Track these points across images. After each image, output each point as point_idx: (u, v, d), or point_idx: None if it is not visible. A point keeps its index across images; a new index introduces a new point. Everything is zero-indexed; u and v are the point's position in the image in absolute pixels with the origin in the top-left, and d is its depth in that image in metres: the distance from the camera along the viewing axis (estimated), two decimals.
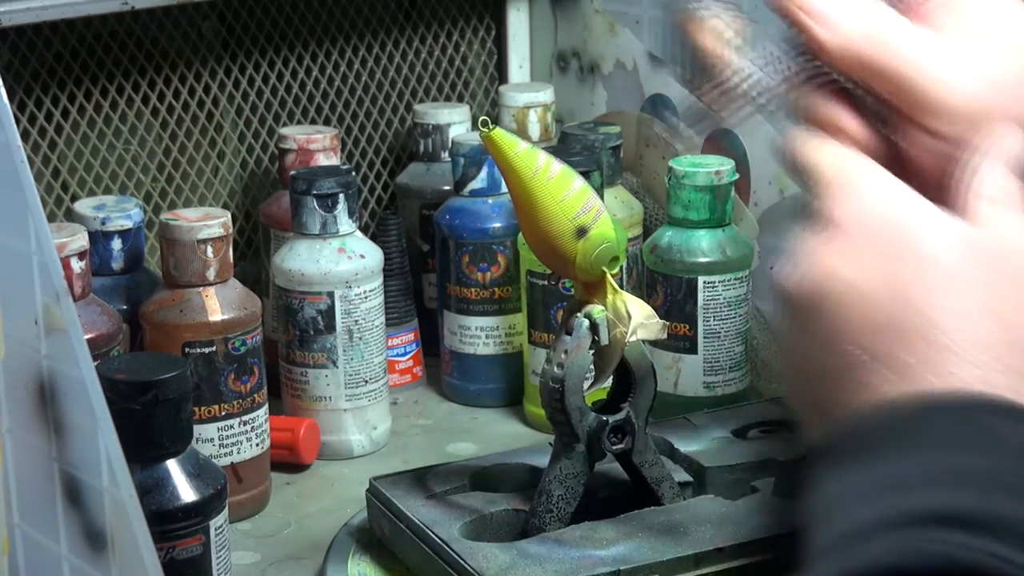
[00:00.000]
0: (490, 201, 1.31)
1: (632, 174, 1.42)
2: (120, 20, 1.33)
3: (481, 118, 0.92)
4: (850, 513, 0.58)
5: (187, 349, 1.12)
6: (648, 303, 0.97)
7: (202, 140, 1.40)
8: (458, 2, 1.54)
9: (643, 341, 0.97)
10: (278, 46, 1.43)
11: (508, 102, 1.42)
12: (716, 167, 1.22)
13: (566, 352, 0.96)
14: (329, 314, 1.21)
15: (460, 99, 1.55)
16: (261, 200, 1.40)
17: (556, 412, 0.97)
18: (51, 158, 1.31)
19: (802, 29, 0.72)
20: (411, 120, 1.45)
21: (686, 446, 1.07)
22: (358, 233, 1.23)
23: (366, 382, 1.23)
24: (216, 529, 0.94)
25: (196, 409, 1.11)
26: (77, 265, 1.09)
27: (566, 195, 0.93)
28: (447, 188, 1.36)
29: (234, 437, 1.14)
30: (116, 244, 1.18)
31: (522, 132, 1.40)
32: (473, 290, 1.31)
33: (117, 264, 1.19)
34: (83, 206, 1.20)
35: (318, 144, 1.32)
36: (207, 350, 1.12)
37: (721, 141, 1.34)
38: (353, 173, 1.23)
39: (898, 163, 0.71)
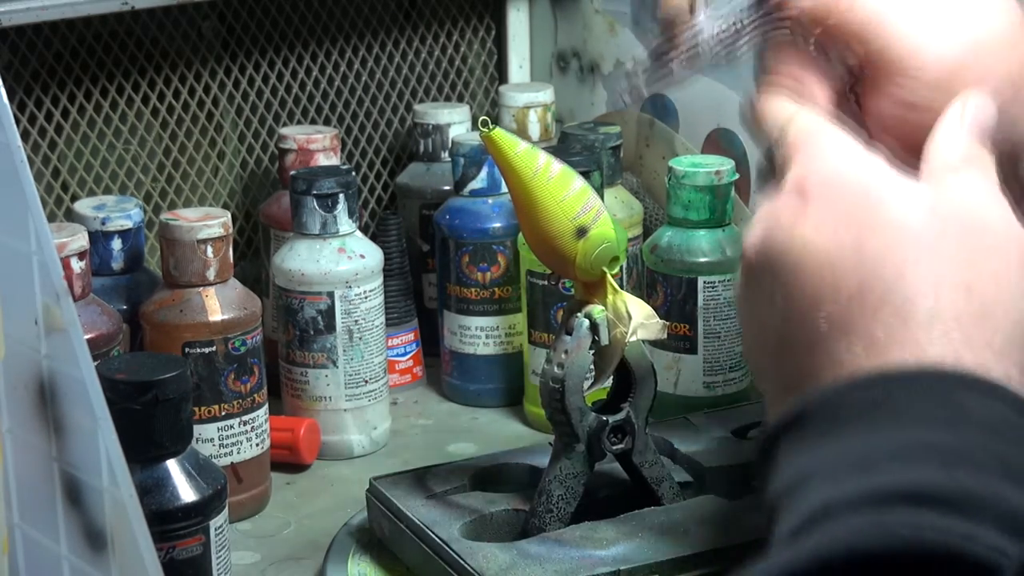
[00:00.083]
0: (490, 201, 1.31)
1: (632, 174, 1.42)
2: (120, 20, 1.33)
3: (481, 118, 0.92)
4: (816, 492, 0.56)
5: (187, 349, 1.12)
6: (648, 303, 0.97)
7: (202, 140, 1.40)
8: (458, 2, 1.54)
9: (643, 341, 0.97)
10: (278, 46, 1.43)
11: (508, 102, 1.42)
12: (716, 167, 1.22)
13: (566, 352, 0.96)
14: (329, 314, 1.21)
15: (460, 99, 1.55)
16: (261, 200, 1.40)
17: (556, 412, 0.97)
18: (51, 158, 1.31)
19: None
20: (411, 120, 1.45)
21: (686, 446, 1.07)
22: (358, 233, 1.23)
23: (366, 382, 1.23)
24: (216, 529, 0.94)
25: (196, 409, 1.11)
26: (77, 265, 1.08)
27: (566, 195, 0.93)
28: (447, 188, 1.36)
29: (234, 437, 1.14)
30: (116, 244, 1.18)
31: (522, 132, 1.40)
32: (473, 290, 1.31)
33: (117, 264, 1.19)
34: (83, 206, 1.20)
35: (318, 144, 1.32)
36: (207, 350, 1.12)
37: (721, 141, 1.34)
38: (353, 173, 1.23)
39: (865, 124, 0.70)
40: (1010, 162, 0.69)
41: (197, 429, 1.04)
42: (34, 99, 1.29)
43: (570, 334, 0.96)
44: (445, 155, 1.39)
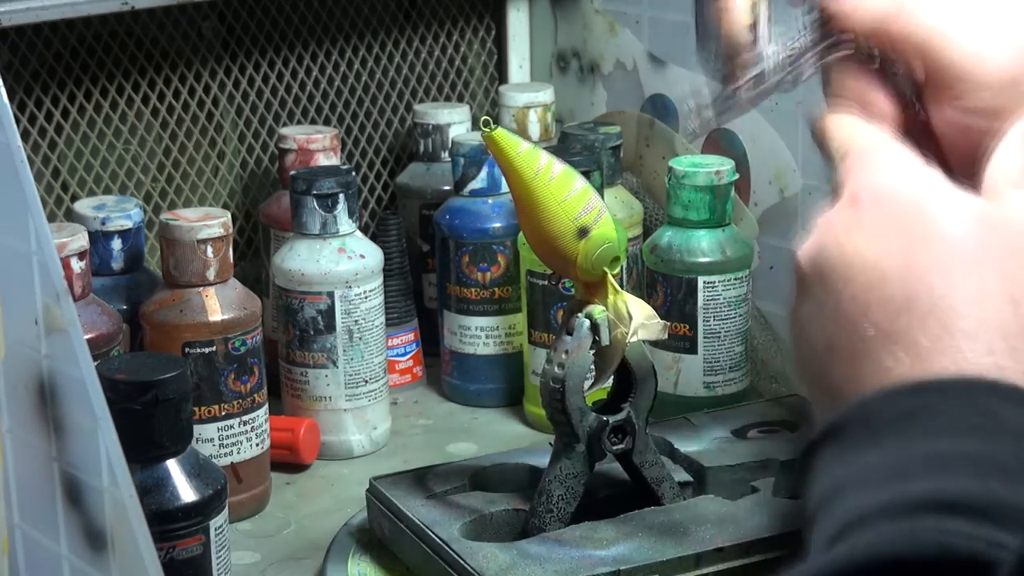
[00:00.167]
0: (490, 201, 1.31)
1: (632, 174, 1.42)
2: (120, 20, 1.33)
3: (483, 118, 0.92)
4: (852, 499, 0.57)
5: (187, 349, 1.12)
6: (648, 303, 0.97)
7: (202, 140, 1.40)
8: (458, 2, 1.54)
9: (643, 341, 0.97)
10: (278, 46, 1.43)
11: (508, 102, 1.42)
12: (716, 167, 1.22)
13: (567, 352, 0.96)
14: (329, 314, 1.21)
15: (460, 99, 1.55)
16: (261, 200, 1.40)
17: (556, 412, 0.97)
18: (51, 158, 1.31)
19: (827, 0, 0.71)
20: (411, 120, 1.45)
21: (686, 446, 1.07)
22: (358, 233, 1.23)
23: (366, 382, 1.23)
24: (216, 529, 0.94)
25: (196, 409, 1.11)
26: (77, 265, 1.08)
27: (567, 195, 0.93)
28: (447, 188, 1.36)
29: (234, 437, 1.14)
30: (116, 244, 1.18)
31: (522, 132, 1.40)
32: (473, 290, 1.31)
33: (117, 264, 1.19)
34: (83, 206, 1.20)
35: (318, 144, 1.32)
36: (207, 350, 1.12)
37: (721, 141, 1.34)
38: (353, 173, 1.23)
39: (925, 136, 0.70)
40: None
41: (197, 429, 1.04)
42: (34, 99, 1.29)
43: (570, 334, 0.96)
44: (445, 155, 1.39)
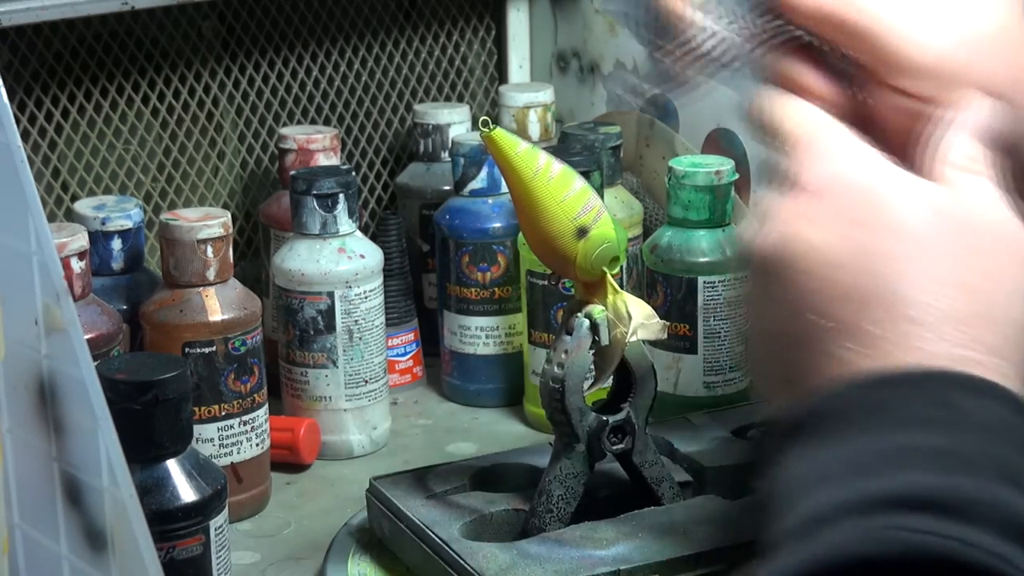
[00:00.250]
0: (490, 201, 1.31)
1: (632, 174, 1.42)
2: (120, 20, 1.33)
3: (482, 118, 0.92)
4: (814, 496, 0.56)
5: (187, 349, 1.12)
6: (648, 303, 0.97)
7: (202, 140, 1.40)
8: (458, 2, 1.54)
9: (643, 341, 0.97)
10: (278, 46, 1.43)
11: (508, 102, 1.42)
12: (716, 167, 1.22)
13: (566, 352, 0.96)
14: (329, 314, 1.21)
15: (460, 99, 1.55)
16: (261, 200, 1.40)
17: (556, 412, 0.97)
18: (51, 158, 1.31)
19: None
20: (411, 120, 1.45)
21: (686, 446, 1.07)
22: (358, 233, 1.23)
23: (366, 382, 1.23)
24: (216, 529, 0.94)
25: (196, 409, 1.11)
26: (77, 265, 1.08)
27: (567, 195, 0.93)
28: (447, 188, 1.36)
29: (234, 437, 1.14)
30: (116, 244, 1.18)
31: (522, 132, 1.40)
32: (473, 290, 1.31)
33: (117, 264, 1.19)
34: (83, 206, 1.20)
35: (318, 144, 1.32)
36: (207, 350, 1.12)
37: (721, 141, 1.34)
38: (353, 173, 1.23)
39: (866, 123, 0.70)
40: (1014, 161, 0.69)
41: (197, 429, 1.04)
42: (34, 99, 1.29)
43: (570, 334, 0.96)
44: (445, 155, 1.39)
